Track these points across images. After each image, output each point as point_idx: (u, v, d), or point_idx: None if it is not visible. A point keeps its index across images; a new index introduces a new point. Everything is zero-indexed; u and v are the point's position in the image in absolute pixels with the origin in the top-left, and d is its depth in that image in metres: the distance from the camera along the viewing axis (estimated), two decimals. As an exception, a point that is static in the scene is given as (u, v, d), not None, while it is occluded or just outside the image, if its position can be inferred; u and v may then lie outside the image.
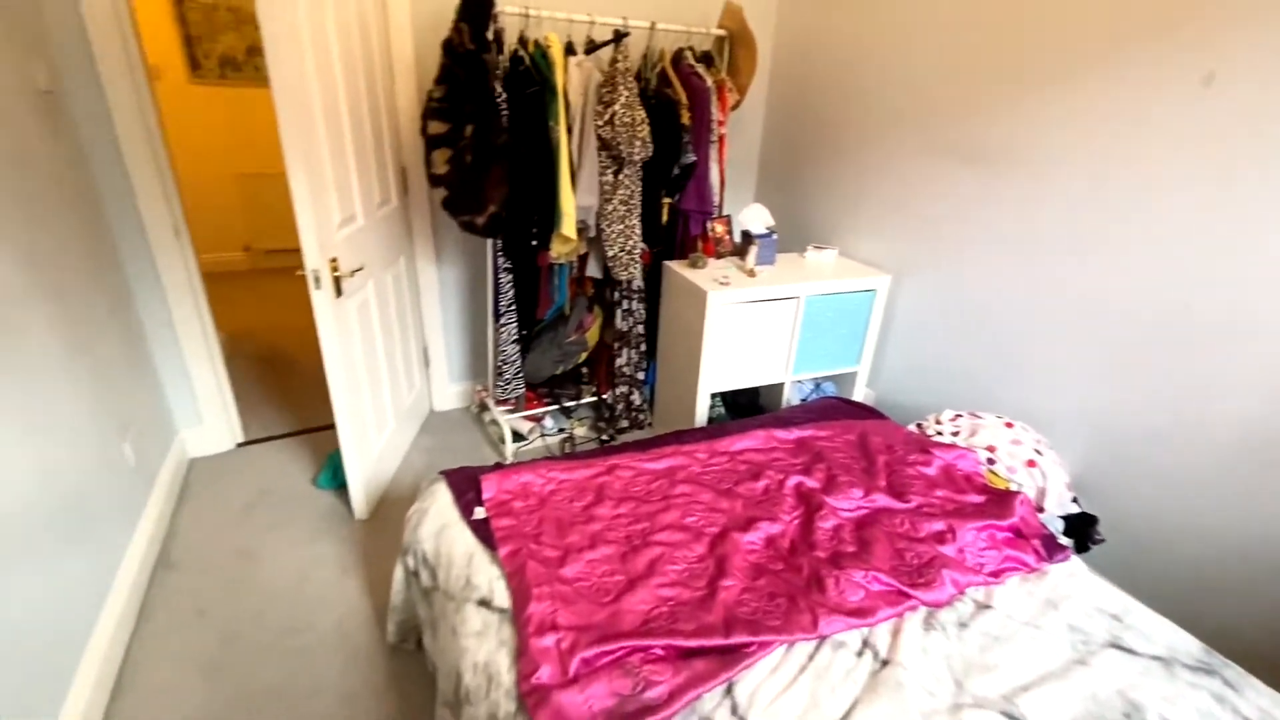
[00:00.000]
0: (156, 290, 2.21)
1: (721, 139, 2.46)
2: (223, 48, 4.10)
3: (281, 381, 3.09)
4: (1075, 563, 1.45)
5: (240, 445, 2.57)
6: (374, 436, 2.23)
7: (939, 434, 1.99)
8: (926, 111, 2.24)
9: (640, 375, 2.70)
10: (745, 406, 2.69)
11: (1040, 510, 1.76)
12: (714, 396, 2.65)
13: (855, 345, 2.53)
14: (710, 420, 2.50)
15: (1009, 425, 1.94)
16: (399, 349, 2.47)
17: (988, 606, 1.31)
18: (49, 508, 1.43)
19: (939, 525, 1.47)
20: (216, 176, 4.30)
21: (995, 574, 1.38)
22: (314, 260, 1.77)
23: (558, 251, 2.29)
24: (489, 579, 1.30)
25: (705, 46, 2.50)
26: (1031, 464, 1.84)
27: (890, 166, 2.42)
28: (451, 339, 2.83)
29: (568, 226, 2.18)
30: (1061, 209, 1.86)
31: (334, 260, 1.84)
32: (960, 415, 2.03)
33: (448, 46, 1.99)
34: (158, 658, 1.65)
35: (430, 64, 2.21)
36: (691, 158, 2.37)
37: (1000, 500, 1.58)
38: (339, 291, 1.88)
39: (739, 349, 2.32)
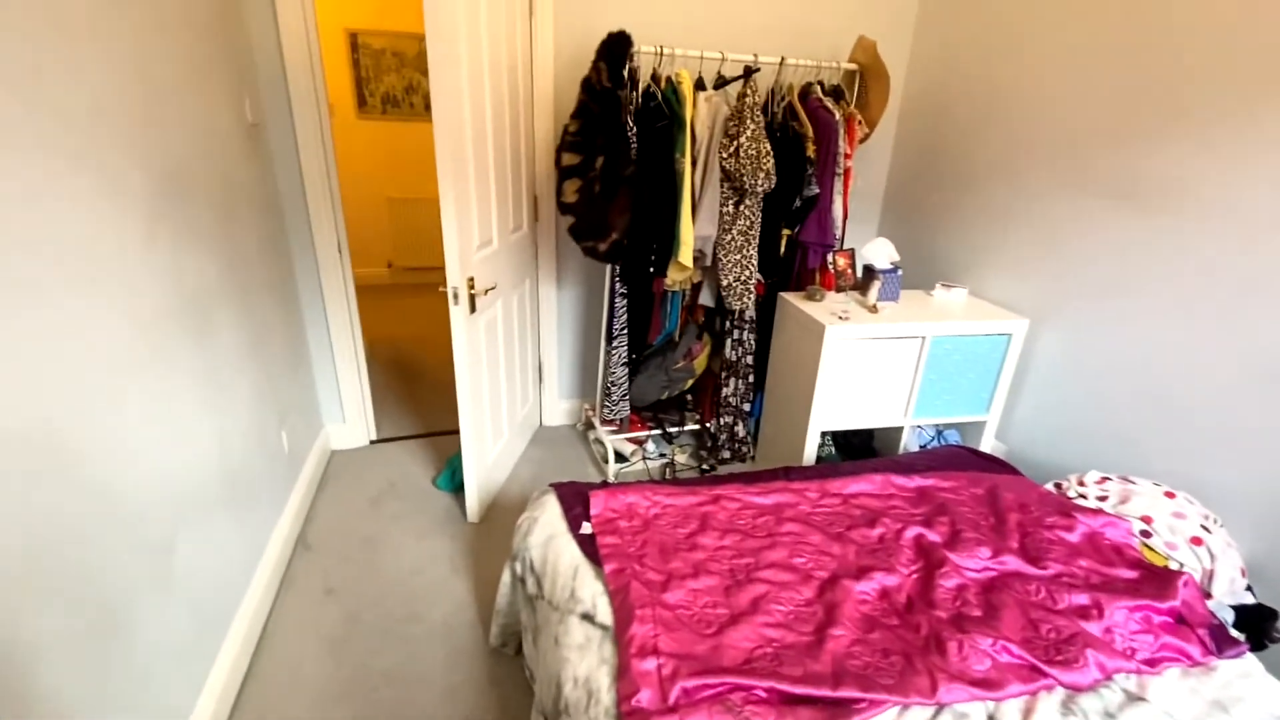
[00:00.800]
0: (318, 298, 2.50)
1: (847, 172, 2.41)
2: (385, 87, 4.61)
3: (411, 388, 3.36)
4: (1250, 661, 1.25)
5: (373, 442, 2.81)
6: (490, 445, 2.36)
7: (1082, 497, 1.79)
8: (1070, 145, 2.08)
9: (746, 407, 2.67)
10: (858, 448, 2.57)
11: (1207, 596, 1.54)
12: (824, 435, 2.55)
13: (984, 392, 2.35)
14: (819, 459, 2.42)
15: (1169, 495, 1.72)
16: (518, 364, 2.61)
17: (1141, 699, 1.15)
18: (222, 478, 1.65)
19: (1082, 599, 1.32)
20: (370, 200, 4.81)
21: (1150, 662, 1.22)
22: (455, 278, 1.93)
23: (673, 279, 2.34)
24: (593, 594, 1.32)
25: (835, 81, 2.48)
26: (1197, 541, 1.61)
27: (1029, 203, 2.26)
28: (564, 358, 2.95)
29: (685, 255, 2.22)
30: (1235, 253, 1.65)
31: (471, 279, 2.00)
32: (1109, 479, 1.82)
33: (586, 84, 2.12)
34: (291, 628, 1.82)
35: (567, 101, 2.36)
36: (815, 190, 2.34)
37: (1158, 579, 1.39)
38: (473, 308, 2.03)
39: (855, 387, 2.23)
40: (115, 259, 1.22)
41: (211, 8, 1.77)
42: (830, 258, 2.48)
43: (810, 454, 2.30)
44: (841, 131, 2.34)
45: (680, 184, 2.18)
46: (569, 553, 1.44)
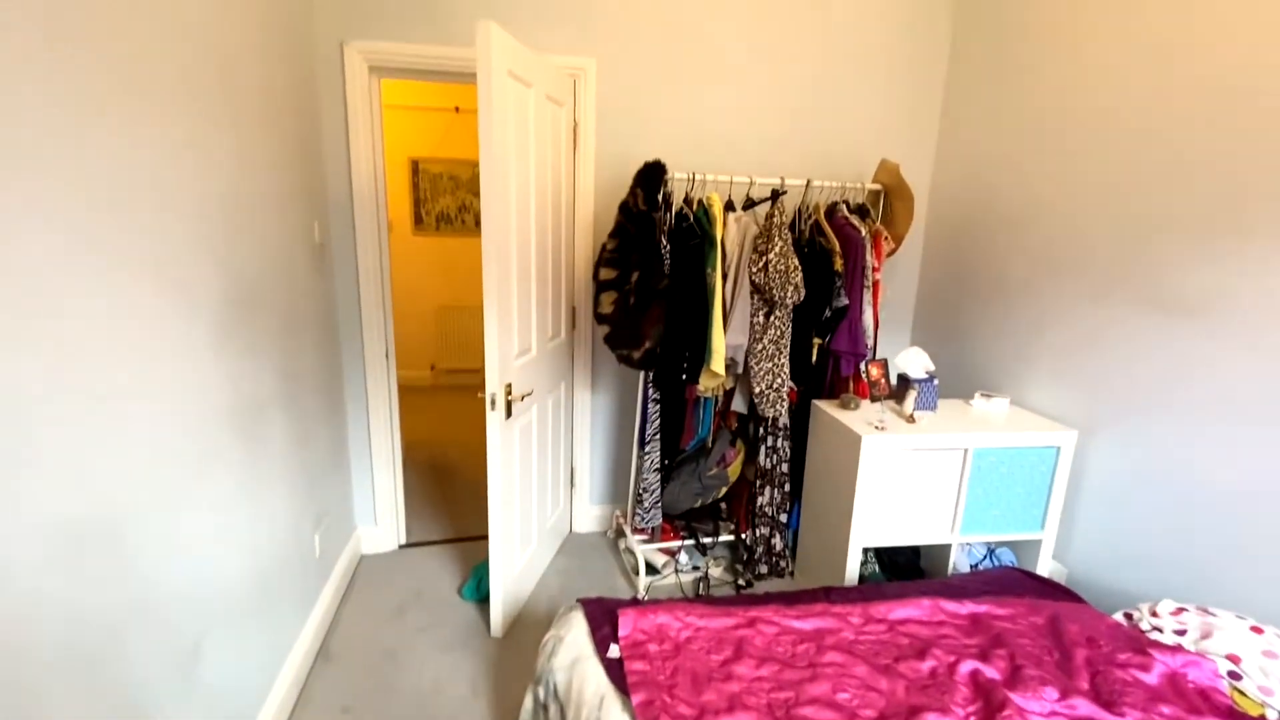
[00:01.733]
0: (362, 402, 2.59)
1: (876, 284, 2.47)
2: (440, 206, 5.02)
3: (444, 489, 3.37)
4: None
5: (402, 546, 2.79)
6: (518, 553, 2.32)
7: (1157, 630, 1.63)
8: (1099, 253, 2.10)
9: (783, 517, 2.58)
10: (904, 568, 2.42)
11: (1322, 757, 1.34)
12: (867, 552, 2.43)
13: (1036, 509, 2.23)
14: (862, 579, 2.28)
15: (1256, 630, 1.55)
16: (550, 469, 2.61)
17: None
18: (254, 581, 1.65)
19: (1170, 756, 1.17)
20: (418, 307, 5.09)
21: (1264, 842, 1.05)
22: (493, 385, 1.99)
23: (705, 385, 2.36)
24: (620, 728, 1.23)
25: (860, 199, 2.60)
26: (1300, 688, 1.43)
27: (1063, 311, 2.25)
28: (596, 463, 2.94)
29: (717, 362, 2.25)
30: (1303, 369, 1.59)
31: (509, 385, 2.06)
32: (1185, 609, 1.66)
33: (623, 208, 2.28)
34: (304, 751, 1.73)
35: (605, 221, 2.52)
36: (844, 301, 2.39)
37: (1259, 735, 1.23)
38: (509, 414, 2.07)
39: (896, 501, 2.15)
40: (185, 369, 1.32)
41: (296, 145, 2.01)
42: (863, 367, 2.48)
43: (852, 572, 2.18)
44: (868, 246, 2.42)
45: (711, 296, 2.26)
46: (595, 679, 1.36)
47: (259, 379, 1.69)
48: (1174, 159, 1.88)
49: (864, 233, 2.41)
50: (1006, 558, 2.34)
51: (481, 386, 2.02)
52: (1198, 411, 1.84)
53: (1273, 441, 1.67)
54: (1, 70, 0.85)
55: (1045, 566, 2.27)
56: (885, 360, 2.44)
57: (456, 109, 4.77)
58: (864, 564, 2.38)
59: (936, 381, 2.34)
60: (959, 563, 2.26)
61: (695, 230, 2.30)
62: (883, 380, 2.30)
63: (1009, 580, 1.83)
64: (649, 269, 2.21)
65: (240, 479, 1.58)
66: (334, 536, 2.37)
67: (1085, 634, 1.50)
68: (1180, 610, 1.67)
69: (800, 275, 2.24)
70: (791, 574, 2.64)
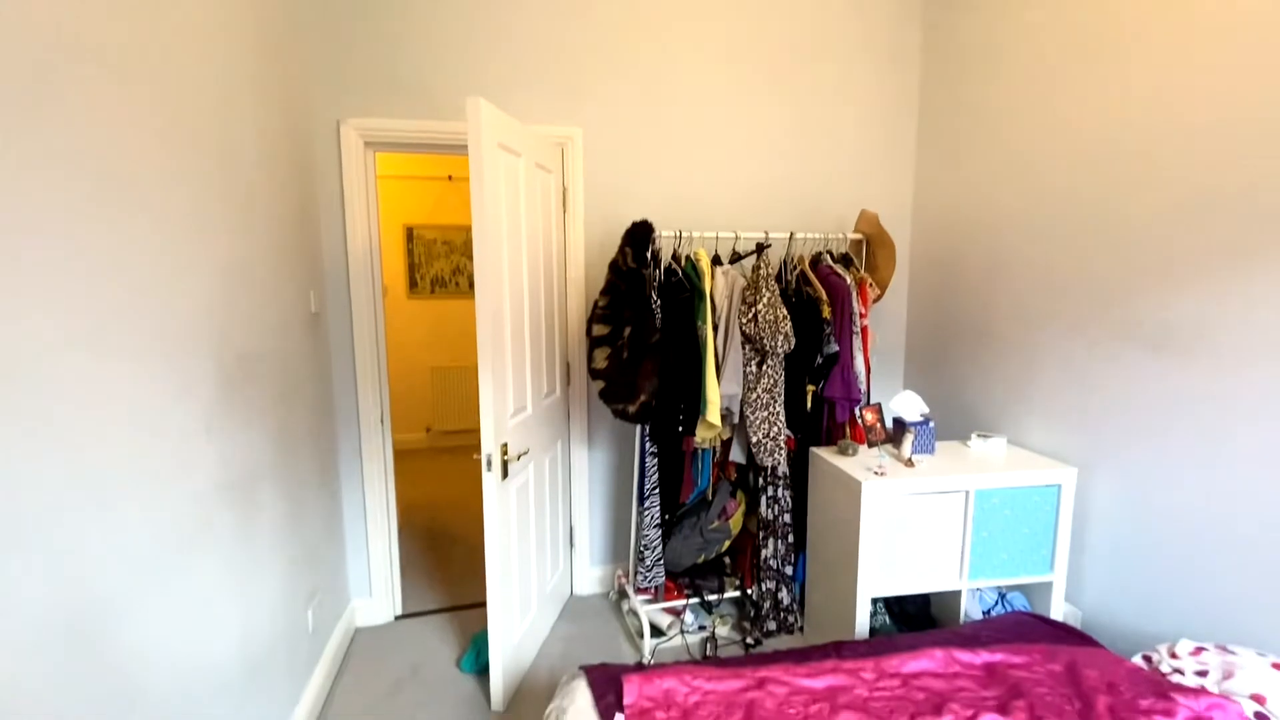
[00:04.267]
0: (356, 470, 2.57)
1: (864, 330, 2.51)
2: (435, 270, 5.11)
3: (442, 555, 3.29)
4: None
5: (398, 617, 2.70)
6: (518, 621, 2.25)
7: (1178, 673, 1.58)
8: (1084, 290, 2.14)
9: (788, 570, 2.52)
10: (915, 617, 2.36)
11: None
12: (875, 603, 2.37)
13: (1044, 550, 2.19)
14: (873, 631, 2.22)
15: (1278, 667, 1.51)
16: (549, 530, 2.57)
17: None
18: (243, 663, 1.58)
19: (1206, 809, 1.11)
20: (413, 369, 5.10)
21: None
22: (489, 445, 1.98)
23: (702, 437, 2.36)
24: (628, 805, 1.17)
25: (843, 249, 2.67)
26: (1331, 729, 1.38)
27: (1052, 349, 2.28)
28: (596, 521, 2.89)
29: (712, 414, 2.26)
30: (1291, 397, 1.61)
31: (504, 445, 2.05)
32: (1205, 649, 1.62)
33: (613, 266, 2.33)
34: None
35: (597, 278, 2.58)
36: (834, 348, 2.42)
37: (1295, 782, 1.18)
38: (505, 474, 2.05)
39: (902, 548, 2.11)
40: (177, 448, 1.31)
41: (294, 219, 2.07)
42: (858, 412, 2.49)
43: (862, 624, 2.12)
44: (855, 294, 2.47)
45: (704, 348, 2.29)
46: (601, 751, 1.31)
47: (251, 452, 1.68)
48: (1149, 191, 1.95)
49: (849, 281, 2.47)
50: (1019, 602, 2.28)
51: (478, 447, 2.01)
52: (1194, 444, 1.85)
53: (1270, 470, 1.67)
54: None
55: (1059, 609, 2.22)
56: (879, 405, 2.45)
57: (450, 177, 4.93)
58: (874, 615, 2.31)
59: (932, 424, 2.34)
60: (970, 609, 2.20)
61: (684, 285, 2.35)
62: (878, 425, 2.30)
63: (1022, 626, 1.78)
64: (641, 323, 2.24)
65: (230, 556, 1.54)
66: (328, 610, 2.30)
67: (1105, 680, 1.46)
68: (1199, 650, 1.63)
69: (789, 324, 2.28)
70: (801, 629, 2.56)
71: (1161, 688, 1.42)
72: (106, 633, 1.07)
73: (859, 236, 2.68)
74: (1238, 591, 1.75)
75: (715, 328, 2.33)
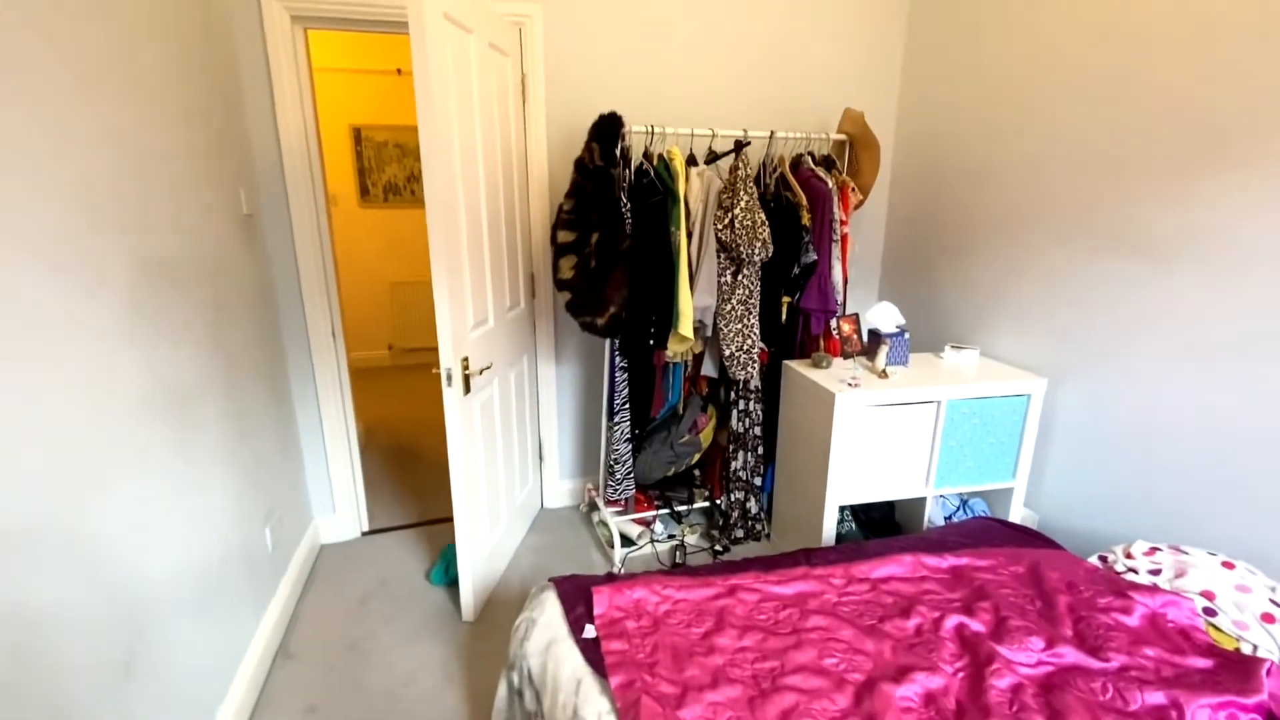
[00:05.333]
0: (310, 387, 2.43)
1: (844, 238, 2.40)
2: (388, 176, 4.75)
3: (408, 472, 3.24)
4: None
5: (365, 534, 2.66)
6: (487, 534, 2.22)
7: (1132, 572, 1.63)
8: (1065, 198, 2.06)
9: (757, 481, 2.53)
10: (880, 524, 2.41)
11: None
12: (843, 510, 2.41)
13: (1008, 458, 2.22)
14: (840, 538, 2.26)
15: (1228, 566, 1.56)
16: (516, 445, 2.51)
17: (1249, 825, 0.97)
18: (196, 584, 1.51)
19: (1158, 697, 1.16)
20: (371, 284, 4.85)
21: (1251, 776, 1.04)
22: (448, 359, 1.86)
23: (674, 350, 2.27)
24: (598, 712, 1.16)
25: (825, 151, 2.51)
26: (1269, 618, 1.45)
27: (1031, 259, 2.22)
28: (565, 436, 2.84)
29: (685, 326, 2.16)
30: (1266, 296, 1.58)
31: (465, 359, 1.93)
32: (1158, 549, 1.67)
33: (579, 164, 2.14)
34: (266, 756, 1.62)
35: (561, 180, 2.38)
36: (813, 257, 2.32)
37: (1238, 668, 1.23)
38: (467, 389, 1.95)
39: (872, 458, 2.12)
40: (91, 356, 1.16)
41: (212, 105, 1.81)
42: (834, 324, 2.42)
43: (830, 532, 2.15)
44: (836, 199, 2.34)
45: (677, 256, 2.16)
46: (570, 662, 1.29)
47: (185, 365, 1.53)
48: (1140, 96, 1.83)
49: (831, 185, 2.33)
50: (979, 508, 2.34)
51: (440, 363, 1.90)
52: (1166, 351, 1.83)
53: (1245, 381, 1.67)
54: None
55: (1017, 514, 2.29)
56: (856, 315, 2.39)
57: (399, 71, 4.48)
58: (841, 523, 2.35)
59: (908, 335, 2.30)
60: (934, 515, 2.25)
61: (656, 187, 2.18)
62: (855, 336, 2.24)
63: (985, 531, 1.82)
64: (610, 229, 2.09)
65: (170, 474, 1.43)
66: (288, 529, 2.23)
67: (1065, 580, 1.49)
68: (1153, 550, 1.68)
69: (768, 230, 2.15)
70: (769, 536, 2.61)
71: (1118, 585, 1.46)
72: (21, 555, 0.96)
73: (842, 137, 2.51)
74: (1194, 496, 1.79)
75: (689, 234, 2.19)
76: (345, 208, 4.67)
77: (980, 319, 2.46)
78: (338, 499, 2.57)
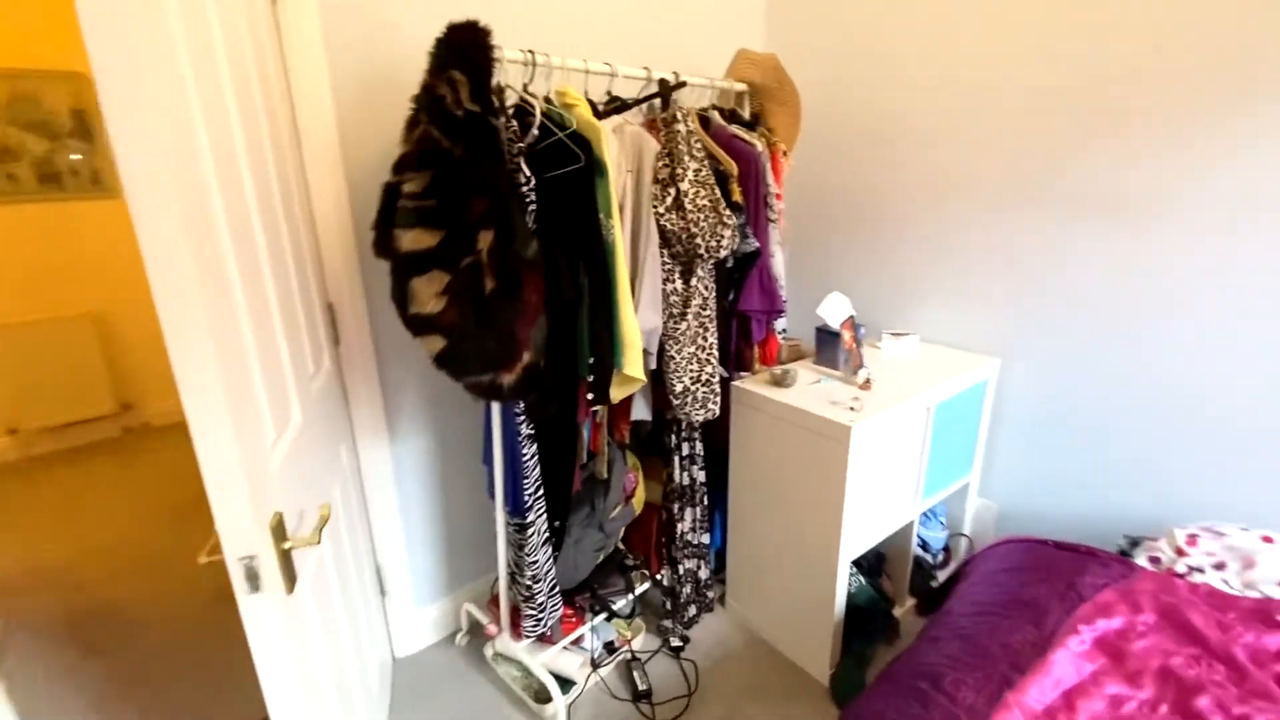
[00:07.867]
0: None
1: (780, 215, 1.88)
2: (-54, 151, 2.78)
3: (113, 670, 1.84)
4: None
5: None
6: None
7: (1196, 571, 1.47)
8: (982, 160, 1.88)
9: (704, 539, 1.94)
10: (873, 567, 1.99)
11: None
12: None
13: (968, 449, 2.01)
14: (850, 602, 1.80)
15: (1267, 540, 1.49)
16: (358, 595, 1.48)
17: None
18: None
19: None
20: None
21: None
22: (243, 539, 0.83)
23: (617, 396, 1.51)
24: None
25: (728, 105, 1.94)
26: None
27: (953, 229, 2.00)
28: (416, 543, 1.86)
29: (633, 362, 1.43)
30: (1220, 250, 1.51)
31: (278, 519, 0.91)
32: (1196, 535, 1.55)
33: (430, 110, 1.19)
34: None
35: (359, 143, 1.39)
36: (754, 244, 1.75)
37: None
38: (292, 581, 0.93)
39: (872, 491, 1.68)
40: None
41: None
42: (776, 326, 1.92)
43: (841, 600, 1.68)
44: (767, 165, 1.80)
45: (612, 260, 1.39)
46: None
47: None
48: (1086, 33, 1.65)
49: (760, 147, 1.77)
50: (940, 512, 2.12)
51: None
52: (1120, 318, 1.73)
53: (1200, 339, 1.61)
54: None
55: (973, 506, 2.11)
56: (853, 318, 1.88)
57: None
58: (851, 577, 1.86)
59: (863, 329, 1.91)
60: (932, 542, 1.94)
61: (566, 149, 1.35)
62: (855, 348, 1.76)
63: (1034, 564, 1.52)
64: (507, 224, 1.22)
65: None
66: None
67: (1213, 619, 1.23)
68: (1193, 539, 1.55)
69: (728, 209, 1.51)
70: (721, 601, 2.06)
71: (1265, 611, 1.25)
72: None
73: (742, 87, 1.96)
74: (1159, 465, 1.73)
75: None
76: None
77: (908, 301, 2.19)
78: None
